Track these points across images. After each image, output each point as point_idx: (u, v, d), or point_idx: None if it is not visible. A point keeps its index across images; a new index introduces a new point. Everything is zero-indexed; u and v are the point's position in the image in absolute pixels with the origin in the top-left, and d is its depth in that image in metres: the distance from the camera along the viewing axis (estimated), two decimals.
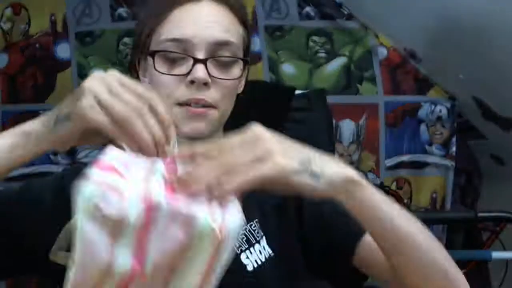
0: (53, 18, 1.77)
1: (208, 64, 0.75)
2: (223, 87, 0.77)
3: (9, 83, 1.74)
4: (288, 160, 0.53)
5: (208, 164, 0.53)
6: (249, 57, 0.83)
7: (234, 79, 0.77)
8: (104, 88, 0.53)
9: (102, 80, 0.54)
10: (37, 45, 1.76)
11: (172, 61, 0.77)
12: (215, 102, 0.76)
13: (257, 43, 1.79)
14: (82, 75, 1.76)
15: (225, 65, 0.77)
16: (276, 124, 1.16)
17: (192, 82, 0.74)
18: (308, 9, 1.83)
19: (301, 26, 1.82)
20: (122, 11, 1.78)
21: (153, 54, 0.77)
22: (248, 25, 0.84)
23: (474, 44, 1.52)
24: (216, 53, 0.76)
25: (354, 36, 1.82)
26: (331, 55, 1.83)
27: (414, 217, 0.63)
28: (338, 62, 1.83)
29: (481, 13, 1.37)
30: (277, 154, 0.53)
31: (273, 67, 1.80)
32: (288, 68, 1.81)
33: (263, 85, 1.52)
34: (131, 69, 0.88)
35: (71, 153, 1.71)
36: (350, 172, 0.55)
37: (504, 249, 1.71)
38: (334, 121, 1.59)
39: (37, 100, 1.74)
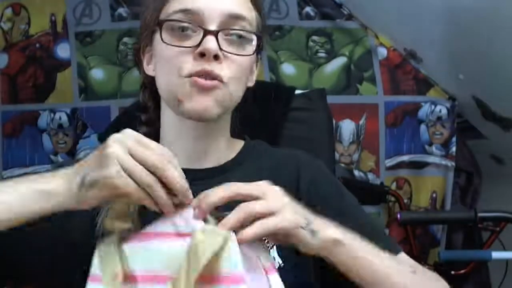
0: (53, 18, 1.77)
1: (220, 37, 0.70)
2: (234, 63, 0.72)
3: (9, 83, 1.74)
4: (297, 216, 0.60)
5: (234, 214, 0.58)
6: (262, 42, 0.79)
7: (246, 55, 0.74)
8: (127, 154, 0.55)
9: (122, 143, 0.56)
10: (37, 45, 1.76)
11: (181, 34, 0.72)
12: (225, 78, 0.71)
13: None
14: (82, 75, 1.76)
15: (237, 42, 0.73)
16: (276, 124, 1.16)
17: (202, 54, 0.70)
18: (308, 9, 1.83)
19: (301, 26, 1.82)
20: (122, 11, 1.78)
21: (161, 24, 0.72)
22: (262, 14, 0.79)
23: (474, 44, 1.52)
24: (228, 25, 0.72)
25: (354, 36, 1.82)
26: (331, 55, 1.83)
27: (393, 261, 0.70)
28: (338, 62, 1.83)
29: (481, 13, 1.37)
30: (287, 209, 0.59)
31: (273, 67, 1.80)
32: (288, 68, 1.81)
33: (263, 85, 1.52)
34: (136, 61, 0.84)
35: (71, 153, 1.72)
36: (338, 234, 0.63)
37: (504, 249, 1.71)
38: (334, 121, 1.59)
39: (37, 100, 1.74)
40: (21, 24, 1.76)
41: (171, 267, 0.56)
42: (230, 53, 0.72)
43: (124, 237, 0.60)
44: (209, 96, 0.71)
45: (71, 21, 1.77)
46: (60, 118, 1.72)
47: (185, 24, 0.71)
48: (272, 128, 1.16)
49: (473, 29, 1.46)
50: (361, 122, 1.81)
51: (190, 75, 0.71)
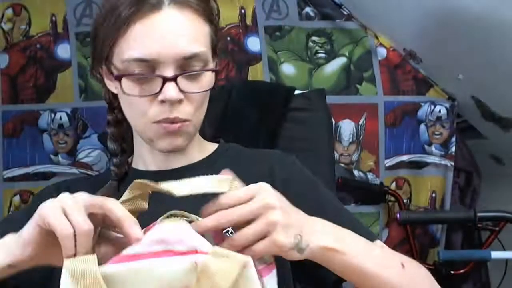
0: (53, 18, 1.77)
1: (178, 80, 0.72)
2: (195, 100, 0.75)
3: (10, 84, 1.74)
4: (285, 239, 0.60)
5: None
6: (217, 60, 0.81)
7: (205, 90, 0.76)
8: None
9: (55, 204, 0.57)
10: (37, 45, 1.76)
11: (141, 82, 0.74)
12: (189, 116, 0.75)
13: (257, 44, 1.79)
14: (83, 75, 1.76)
15: (195, 76, 0.74)
16: (276, 124, 1.17)
17: (164, 101, 0.73)
18: (308, 9, 1.83)
19: (301, 27, 1.82)
20: None
21: (119, 78, 0.74)
22: (214, 18, 0.79)
23: (473, 44, 1.52)
24: (185, 67, 0.73)
25: (354, 36, 1.82)
26: (331, 55, 1.83)
27: (391, 258, 0.73)
28: (338, 62, 1.83)
29: (481, 13, 1.37)
30: (278, 230, 0.59)
31: (273, 67, 1.80)
32: (288, 68, 1.81)
33: (263, 85, 1.52)
34: (94, 75, 0.85)
35: (72, 153, 1.72)
36: (330, 242, 0.64)
37: (504, 249, 1.71)
38: (333, 121, 1.59)
39: (37, 100, 1.74)
40: (22, 25, 1.76)
41: (170, 286, 0.54)
42: (191, 92, 0.75)
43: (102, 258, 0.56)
44: (178, 137, 0.76)
45: (71, 21, 1.77)
46: (60, 118, 1.72)
47: (143, 76, 0.74)
48: (271, 128, 1.16)
49: (472, 29, 1.46)
50: (360, 122, 1.82)
51: (156, 121, 0.75)
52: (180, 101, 0.73)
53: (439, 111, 1.82)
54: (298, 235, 0.60)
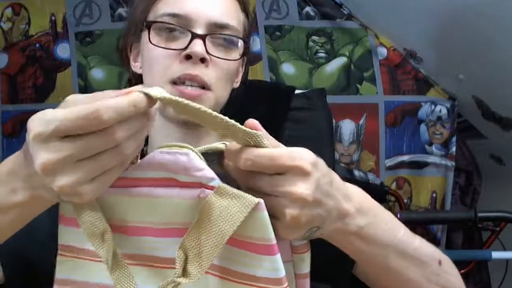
0: (53, 18, 1.77)
1: (207, 41, 0.70)
2: (220, 68, 0.72)
3: (9, 83, 1.74)
4: (294, 233, 0.49)
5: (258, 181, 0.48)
6: (249, 46, 0.79)
7: (232, 59, 0.73)
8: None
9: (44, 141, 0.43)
10: (37, 45, 1.76)
11: (169, 35, 0.71)
12: (211, 83, 0.71)
13: (257, 43, 1.79)
14: (82, 75, 1.76)
15: (224, 47, 0.73)
16: (276, 124, 1.16)
17: (188, 57, 0.69)
18: (308, 9, 1.83)
19: (301, 26, 1.82)
20: (122, 11, 1.78)
21: (149, 26, 0.72)
22: (249, 15, 0.79)
23: (474, 44, 1.52)
24: (215, 32, 0.72)
25: (354, 36, 1.82)
26: (331, 55, 1.83)
27: (430, 253, 0.61)
28: (338, 62, 1.83)
29: (481, 13, 1.37)
30: (303, 212, 0.47)
31: (273, 67, 1.80)
32: (288, 68, 1.81)
33: (263, 85, 1.52)
34: (121, 55, 0.83)
35: None
36: (345, 225, 0.52)
37: (504, 249, 1.71)
38: (334, 121, 1.59)
39: (37, 100, 1.74)
40: (21, 24, 1.76)
41: (170, 220, 0.48)
42: (216, 57, 0.72)
43: None
44: None
45: (71, 21, 1.77)
46: None
47: (173, 26, 0.71)
48: (272, 128, 1.15)
49: (473, 29, 1.46)
50: (361, 122, 1.81)
51: (174, 82, 0.70)
52: (205, 62, 0.70)
53: (440, 111, 1.82)
54: (316, 227, 0.49)
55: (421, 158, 1.84)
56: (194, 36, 0.70)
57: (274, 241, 0.46)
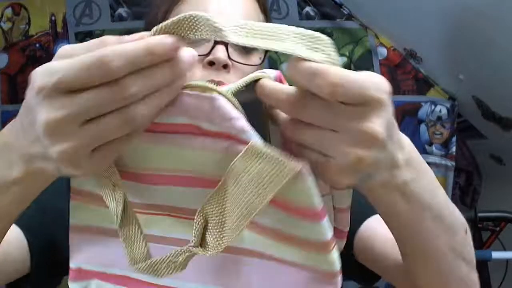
0: (53, 18, 1.77)
1: (229, 46, 0.70)
2: (242, 73, 0.70)
3: (9, 83, 1.74)
4: (357, 173, 0.39)
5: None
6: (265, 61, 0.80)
7: (254, 65, 0.73)
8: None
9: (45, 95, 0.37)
10: (37, 45, 1.76)
11: (191, 41, 0.72)
12: None
13: None
14: None
15: (245, 52, 0.73)
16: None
17: (211, 63, 0.68)
18: (308, 9, 1.83)
19: (301, 26, 1.81)
20: (122, 11, 1.78)
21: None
22: (268, 16, 0.79)
23: (474, 44, 1.52)
24: None
25: (354, 36, 1.82)
26: None
27: (460, 221, 0.54)
28: None
29: (481, 13, 1.37)
30: (370, 153, 0.38)
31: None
32: None
33: None
34: None
35: None
36: (392, 177, 0.43)
37: (504, 249, 1.71)
38: None
39: None
40: (21, 24, 1.76)
41: (199, 170, 0.42)
42: (239, 62, 0.71)
43: None
44: None
45: (71, 21, 1.77)
46: None
47: None
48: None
49: (473, 29, 1.46)
50: None
51: None
52: (227, 70, 0.69)
53: (440, 111, 1.82)
54: (369, 175, 0.40)
55: None
56: (217, 42, 0.69)
57: (321, 206, 0.38)
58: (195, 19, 0.38)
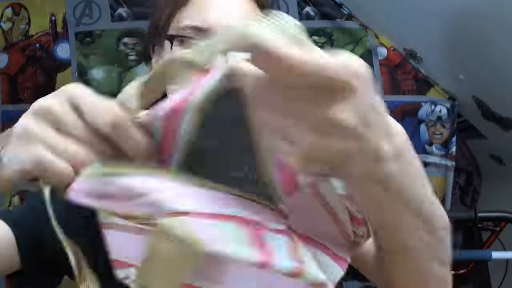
0: (53, 18, 1.77)
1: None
2: None
3: (9, 83, 1.74)
4: (318, 162, 0.36)
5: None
6: None
7: None
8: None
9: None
10: (37, 45, 1.76)
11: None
12: None
13: None
14: (82, 75, 1.76)
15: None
16: None
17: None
18: (308, 9, 1.83)
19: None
20: (122, 11, 1.78)
21: (171, 38, 0.73)
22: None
23: (474, 44, 1.52)
24: None
25: (354, 36, 1.82)
26: None
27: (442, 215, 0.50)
28: None
29: (481, 13, 1.37)
30: (331, 142, 0.35)
31: None
32: None
33: None
34: (144, 54, 0.84)
35: None
36: (376, 170, 0.39)
37: (504, 249, 1.71)
38: None
39: (36, 99, 1.73)
40: (21, 24, 1.76)
41: None
42: None
43: None
44: None
45: (71, 21, 1.77)
46: None
47: (195, 41, 0.72)
48: None
49: (473, 29, 1.46)
50: None
51: None
52: None
53: (440, 111, 1.82)
54: (339, 165, 0.37)
55: (421, 158, 1.82)
56: None
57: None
58: (160, 67, 0.38)
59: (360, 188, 0.41)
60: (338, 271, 0.44)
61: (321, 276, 0.39)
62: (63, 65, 1.76)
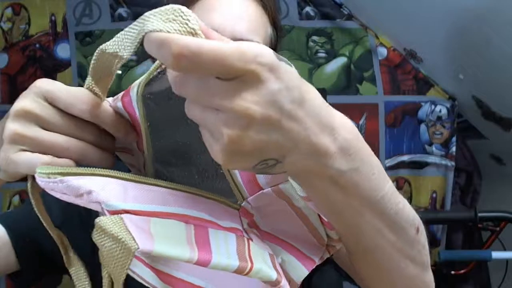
0: (53, 18, 1.77)
1: None
2: None
3: (9, 83, 1.74)
4: (243, 157, 0.35)
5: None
6: None
7: None
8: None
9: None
10: (37, 45, 1.76)
11: None
12: None
13: None
14: (82, 75, 1.76)
15: None
16: None
17: None
18: (308, 9, 1.82)
19: (301, 26, 1.82)
20: (122, 11, 1.78)
21: None
22: (279, 27, 0.78)
23: (474, 44, 1.52)
24: None
25: (354, 36, 1.82)
26: (331, 55, 1.83)
27: (409, 215, 0.49)
28: (338, 62, 1.83)
29: (481, 13, 1.37)
30: (246, 134, 0.33)
31: None
32: None
33: None
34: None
35: None
36: (321, 166, 0.38)
37: (504, 249, 1.71)
38: None
39: None
40: (21, 24, 1.76)
41: None
42: None
43: None
44: None
45: (71, 21, 1.77)
46: None
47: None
48: None
49: (473, 29, 1.46)
50: (361, 122, 1.81)
51: None
52: None
53: (440, 111, 1.82)
54: (273, 160, 0.36)
55: (421, 158, 1.84)
56: None
57: None
58: (95, 57, 0.42)
59: (309, 185, 0.41)
60: (303, 271, 0.45)
61: (273, 275, 0.39)
62: (63, 65, 1.76)
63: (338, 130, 0.38)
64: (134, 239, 0.34)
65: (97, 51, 0.42)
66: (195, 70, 0.32)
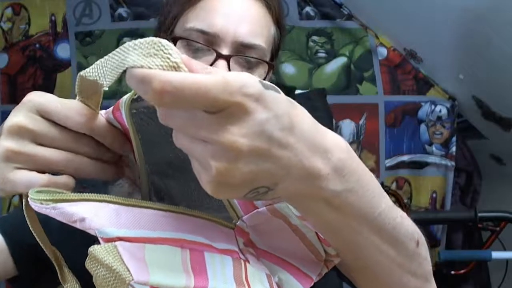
0: (53, 18, 1.77)
1: (231, 62, 0.70)
2: None
3: (9, 83, 1.74)
4: (233, 188, 0.35)
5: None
6: (276, 61, 0.77)
7: None
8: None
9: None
10: (37, 45, 1.76)
11: (194, 51, 0.71)
12: None
13: None
14: None
15: (248, 67, 0.72)
16: None
17: None
18: (308, 9, 1.83)
19: (301, 26, 1.82)
20: (122, 11, 1.78)
21: (175, 40, 0.72)
22: (283, 26, 0.77)
23: (474, 44, 1.52)
24: (241, 52, 0.71)
25: (354, 36, 1.82)
26: (331, 55, 1.83)
27: (410, 231, 0.48)
28: (338, 62, 1.83)
29: (481, 13, 1.37)
30: (234, 166, 0.33)
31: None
32: (288, 68, 1.81)
33: None
34: None
35: None
36: (314, 188, 0.38)
37: (504, 249, 1.71)
38: (334, 121, 1.59)
39: None
40: (21, 24, 1.76)
41: None
42: None
43: None
44: None
45: (71, 21, 1.77)
46: None
47: (200, 45, 0.71)
48: None
49: (473, 29, 1.46)
50: (361, 122, 1.81)
51: None
52: None
53: (440, 111, 1.82)
54: (264, 187, 0.35)
55: (421, 158, 1.84)
56: (219, 56, 0.69)
57: None
58: (77, 82, 0.41)
59: (304, 207, 0.41)
60: None
61: None
62: (63, 65, 1.76)
63: (331, 151, 0.38)
64: (128, 270, 0.34)
65: (78, 76, 0.42)
66: (179, 105, 0.32)
